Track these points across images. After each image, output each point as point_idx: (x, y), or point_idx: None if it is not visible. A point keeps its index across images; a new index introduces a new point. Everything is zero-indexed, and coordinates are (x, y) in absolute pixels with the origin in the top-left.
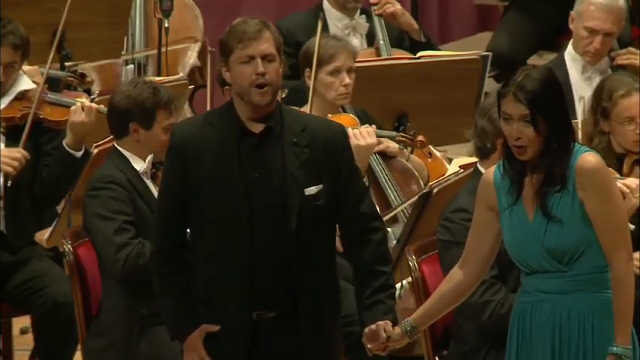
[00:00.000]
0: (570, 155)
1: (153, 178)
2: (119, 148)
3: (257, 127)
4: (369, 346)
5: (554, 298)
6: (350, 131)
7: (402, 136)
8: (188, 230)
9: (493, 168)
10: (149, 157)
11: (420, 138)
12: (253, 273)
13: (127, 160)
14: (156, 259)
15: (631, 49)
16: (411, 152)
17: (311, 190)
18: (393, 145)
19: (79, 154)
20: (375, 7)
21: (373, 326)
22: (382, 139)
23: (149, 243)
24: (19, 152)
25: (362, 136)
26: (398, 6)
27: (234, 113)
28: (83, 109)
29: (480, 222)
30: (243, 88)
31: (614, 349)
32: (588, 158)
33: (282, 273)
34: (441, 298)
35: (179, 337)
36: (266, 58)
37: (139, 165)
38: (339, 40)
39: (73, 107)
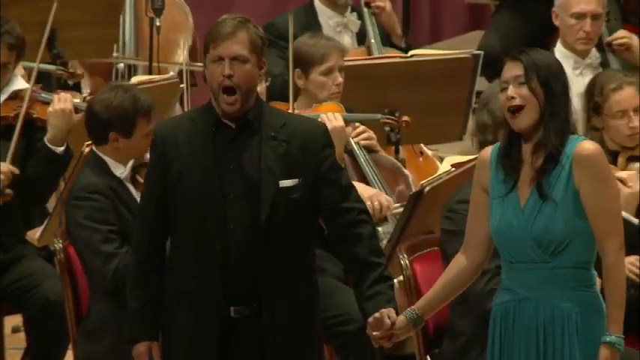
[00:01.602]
0: (566, 128)
1: (133, 181)
2: (98, 153)
3: (234, 121)
4: (374, 334)
5: (538, 296)
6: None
7: (387, 118)
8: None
9: (490, 148)
10: (129, 163)
11: (405, 118)
12: (227, 265)
13: (107, 165)
14: (134, 257)
15: (625, 31)
16: (398, 134)
17: (286, 183)
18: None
19: (60, 149)
20: None
21: (377, 314)
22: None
23: None
24: (6, 167)
25: (328, 119)
26: (389, 5)
27: (212, 108)
28: (59, 99)
29: (477, 204)
30: (214, 88)
31: (608, 338)
32: (586, 145)
33: (255, 266)
34: (446, 285)
35: (131, 341)
36: (236, 59)
37: (119, 170)
38: (329, 39)
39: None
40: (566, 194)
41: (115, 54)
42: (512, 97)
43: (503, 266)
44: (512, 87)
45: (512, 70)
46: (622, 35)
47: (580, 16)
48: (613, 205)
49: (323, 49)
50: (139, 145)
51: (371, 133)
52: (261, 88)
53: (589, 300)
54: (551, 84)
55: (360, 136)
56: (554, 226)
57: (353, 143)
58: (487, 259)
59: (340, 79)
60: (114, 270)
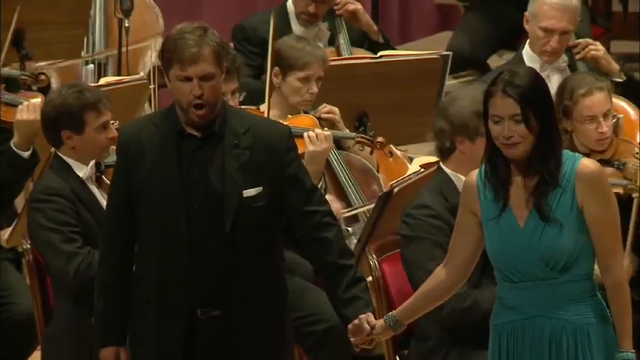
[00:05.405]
0: (560, 152)
1: (98, 181)
2: (61, 155)
3: (198, 130)
4: (353, 339)
5: (547, 313)
6: (305, 135)
7: (362, 137)
8: None
9: (475, 172)
10: (91, 163)
11: (380, 139)
12: (192, 272)
13: (69, 167)
14: (100, 260)
15: (589, 40)
16: (371, 153)
17: (250, 192)
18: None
19: (27, 154)
20: (337, 7)
21: (356, 321)
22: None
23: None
24: None
25: (318, 140)
26: (359, 5)
27: (176, 116)
28: (28, 108)
29: (461, 225)
30: (182, 104)
31: (624, 354)
32: (587, 164)
33: (221, 271)
34: (423, 295)
35: (98, 345)
36: (204, 78)
37: (82, 171)
38: (314, 47)
39: (19, 106)
40: (571, 212)
41: (84, 54)
42: (511, 136)
43: (503, 286)
44: (509, 124)
45: (507, 107)
46: (587, 49)
47: (549, 31)
48: (616, 220)
49: (307, 56)
50: (94, 140)
51: (334, 110)
52: (235, 103)
53: (596, 308)
54: (545, 114)
55: (324, 110)
56: (561, 245)
57: None
58: (465, 279)
59: (315, 89)
60: (75, 270)
